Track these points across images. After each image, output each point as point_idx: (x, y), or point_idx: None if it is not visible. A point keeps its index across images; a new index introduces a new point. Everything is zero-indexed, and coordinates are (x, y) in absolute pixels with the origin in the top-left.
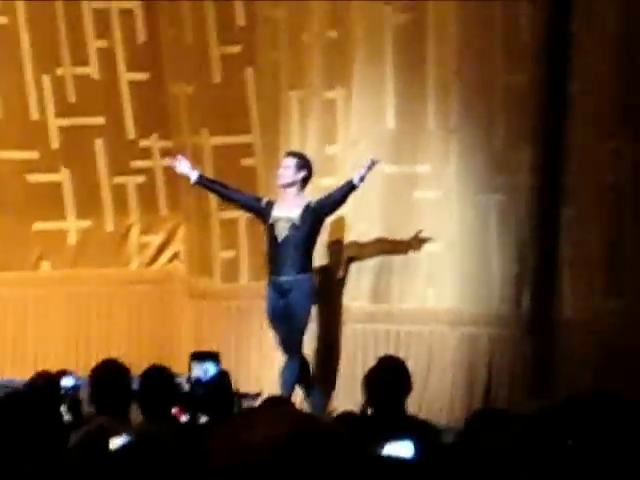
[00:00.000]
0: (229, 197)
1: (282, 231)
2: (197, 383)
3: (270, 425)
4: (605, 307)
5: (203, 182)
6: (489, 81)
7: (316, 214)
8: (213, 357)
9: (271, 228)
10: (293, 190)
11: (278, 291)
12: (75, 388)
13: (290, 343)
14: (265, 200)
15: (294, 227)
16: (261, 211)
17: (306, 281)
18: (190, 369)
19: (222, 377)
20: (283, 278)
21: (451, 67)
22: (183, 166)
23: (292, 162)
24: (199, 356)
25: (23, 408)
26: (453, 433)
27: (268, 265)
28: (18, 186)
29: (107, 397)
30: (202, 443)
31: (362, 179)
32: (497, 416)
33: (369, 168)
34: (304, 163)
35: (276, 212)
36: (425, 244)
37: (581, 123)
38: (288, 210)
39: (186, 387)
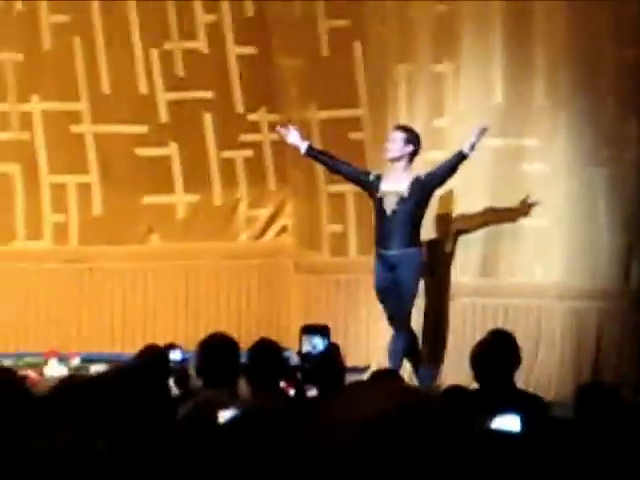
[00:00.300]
0: (338, 169)
1: (390, 205)
2: (307, 356)
3: (376, 400)
4: None
5: (313, 153)
6: (598, 55)
7: (426, 186)
8: (323, 331)
9: (379, 202)
10: (401, 164)
11: (386, 265)
12: (183, 361)
13: (398, 317)
14: (374, 174)
15: (402, 201)
16: (369, 184)
17: (414, 255)
18: (300, 343)
19: (331, 350)
20: (391, 252)
21: (559, 41)
22: (293, 136)
23: (400, 136)
24: (309, 330)
25: (132, 381)
26: (562, 407)
27: (376, 239)
28: (127, 160)
29: (215, 370)
30: (309, 417)
31: (473, 147)
32: (606, 391)
33: (480, 134)
34: (412, 137)
35: (384, 186)
36: (533, 218)
37: None
38: (396, 184)
39: (296, 360)
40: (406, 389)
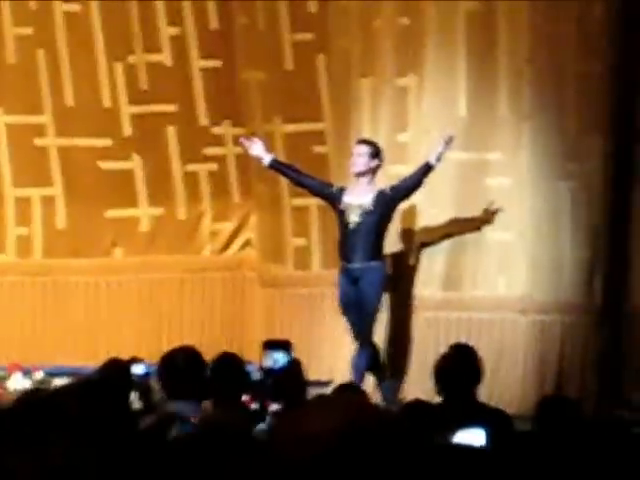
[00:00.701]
0: (301, 182)
1: (354, 218)
2: (268, 372)
3: (331, 416)
4: None
5: (276, 165)
6: (561, 68)
7: (391, 200)
8: (284, 346)
9: (342, 215)
10: (366, 178)
11: (349, 278)
12: (146, 376)
13: (361, 330)
14: (337, 186)
15: (366, 214)
16: (332, 197)
17: (377, 268)
18: (262, 358)
19: (293, 366)
20: (354, 265)
21: (523, 54)
22: (257, 148)
23: (365, 150)
24: (271, 345)
25: (93, 395)
26: (525, 421)
27: (339, 252)
28: (91, 173)
29: (179, 383)
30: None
31: (439, 158)
32: (568, 404)
33: (447, 144)
34: (377, 151)
35: (347, 198)
36: (496, 231)
37: None
38: (360, 197)
39: (258, 376)
40: (363, 403)
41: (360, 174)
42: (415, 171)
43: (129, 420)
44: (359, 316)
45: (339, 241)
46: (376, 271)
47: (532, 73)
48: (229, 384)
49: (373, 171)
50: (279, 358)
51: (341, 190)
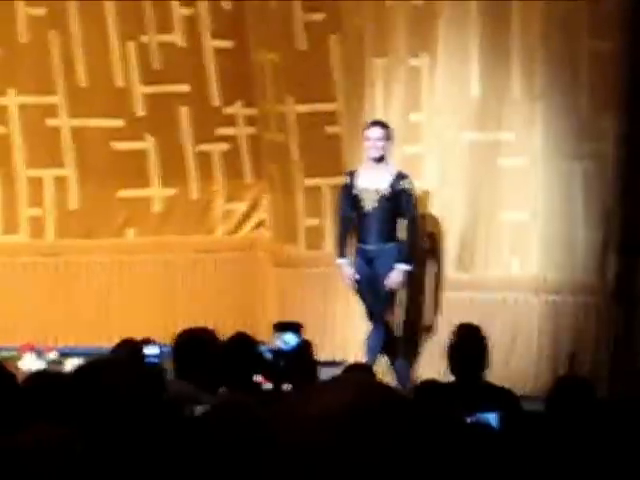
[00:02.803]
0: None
1: (370, 203)
2: (279, 353)
3: (342, 395)
4: None
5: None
6: (574, 48)
7: (399, 194)
8: (294, 327)
9: (356, 199)
10: (383, 162)
11: (365, 258)
12: (159, 356)
13: (375, 311)
14: (347, 174)
15: (384, 199)
16: (351, 192)
17: (392, 250)
18: (273, 339)
19: (303, 347)
20: (370, 247)
21: (536, 34)
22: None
23: (382, 133)
24: (281, 327)
25: (107, 376)
26: (538, 401)
27: (357, 233)
28: (103, 154)
29: (193, 364)
30: (275, 411)
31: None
32: (581, 385)
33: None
34: (390, 132)
35: (363, 183)
36: (509, 211)
37: None
38: (376, 182)
39: (269, 357)
40: (374, 383)
41: (379, 159)
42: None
43: (143, 400)
44: (373, 297)
45: (356, 223)
46: (391, 252)
47: (545, 52)
48: (242, 364)
49: (389, 152)
50: (289, 339)
51: (351, 175)
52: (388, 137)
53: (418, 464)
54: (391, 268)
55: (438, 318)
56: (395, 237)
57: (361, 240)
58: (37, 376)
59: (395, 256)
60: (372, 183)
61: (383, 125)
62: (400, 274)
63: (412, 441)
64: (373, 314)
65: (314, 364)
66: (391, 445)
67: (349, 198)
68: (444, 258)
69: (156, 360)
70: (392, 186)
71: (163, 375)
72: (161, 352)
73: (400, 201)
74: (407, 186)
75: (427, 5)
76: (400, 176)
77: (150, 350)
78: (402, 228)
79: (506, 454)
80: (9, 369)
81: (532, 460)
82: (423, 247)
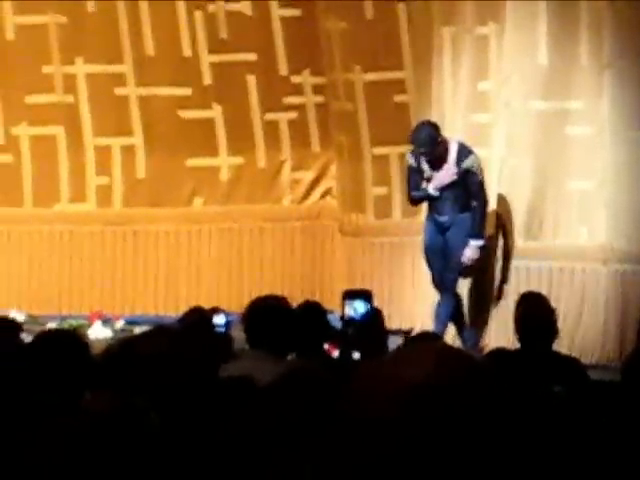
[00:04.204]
0: None
1: (437, 190)
2: (349, 321)
3: (424, 362)
4: None
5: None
6: None
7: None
8: (364, 295)
9: (427, 180)
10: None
11: (438, 228)
12: (226, 325)
13: (445, 280)
14: (412, 158)
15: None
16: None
17: (466, 220)
18: (342, 307)
19: (373, 315)
20: (443, 217)
21: (604, 2)
22: None
23: (430, 144)
24: (351, 294)
25: (176, 345)
26: (605, 370)
27: (429, 204)
28: (171, 122)
29: (264, 332)
30: (352, 379)
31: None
32: None
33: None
34: (435, 129)
35: (429, 170)
36: (577, 180)
37: None
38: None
39: (339, 325)
40: (452, 351)
41: (440, 160)
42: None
43: (211, 370)
44: (444, 265)
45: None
46: (464, 222)
47: (614, 20)
48: (312, 333)
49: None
50: (359, 307)
51: (416, 157)
52: (435, 139)
53: (501, 436)
54: (463, 239)
55: (507, 287)
56: (469, 206)
57: (434, 211)
58: (114, 348)
59: (468, 227)
60: (436, 163)
61: (423, 138)
62: (474, 250)
63: (496, 412)
64: (442, 283)
65: (384, 333)
66: (476, 417)
67: (417, 178)
68: (512, 226)
69: (223, 329)
70: (457, 164)
71: (231, 344)
72: (228, 321)
73: (466, 180)
74: (470, 164)
75: None
76: (463, 152)
77: (218, 319)
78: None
79: (579, 424)
80: (82, 338)
81: (605, 430)
82: (491, 214)
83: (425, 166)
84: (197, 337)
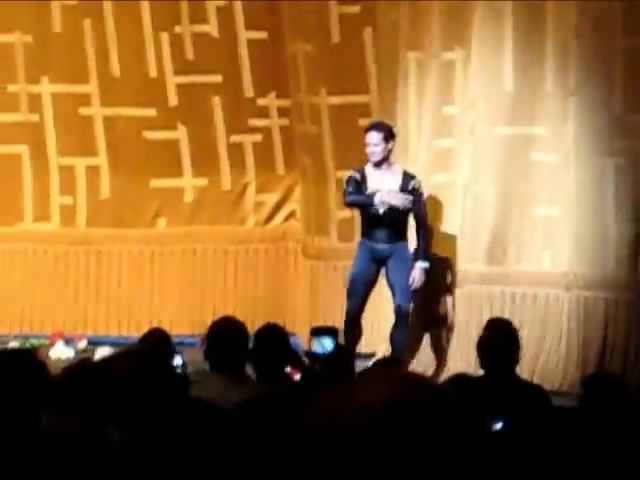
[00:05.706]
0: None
1: (382, 205)
2: (315, 357)
3: (381, 386)
4: None
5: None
6: (609, 43)
7: (410, 194)
8: (331, 332)
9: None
10: (385, 163)
11: (372, 255)
12: (184, 366)
13: (401, 310)
14: (354, 174)
15: None
16: (361, 190)
17: (405, 247)
18: (309, 344)
19: (340, 352)
20: (381, 246)
21: (570, 29)
22: None
23: (379, 137)
24: (318, 331)
25: (137, 363)
26: (567, 397)
27: (364, 231)
28: (136, 143)
29: (223, 354)
30: (312, 403)
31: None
32: (612, 382)
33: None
34: (389, 133)
35: (373, 185)
36: (541, 206)
37: None
38: (387, 183)
39: (301, 348)
40: (411, 375)
41: (380, 162)
42: (419, 232)
43: (176, 386)
44: (364, 298)
45: (364, 221)
46: (403, 250)
47: (579, 48)
48: (273, 355)
49: (389, 154)
50: (327, 344)
51: (362, 173)
52: (387, 139)
53: (457, 459)
54: (405, 267)
55: (467, 312)
56: (405, 235)
57: (372, 238)
58: (74, 366)
59: (408, 255)
60: (382, 185)
61: (379, 128)
62: (421, 272)
63: (452, 437)
64: (400, 313)
65: (350, 369)
66: (431, 440)
67: (359, 187)
68: (475, 251)
69: (180, 370)
70: (402, 187)
71: (187, 385)
72: (184, 362)
73: (412, 201)
74: (417, 185)
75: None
76: (408, 176)
77: (175, 361)
78: (415, 226)
79: (537, 450)
80: (40, 357)
81: (561, 455)
82: (453, 239)
83: (368, 182)
84: (161, 357)
